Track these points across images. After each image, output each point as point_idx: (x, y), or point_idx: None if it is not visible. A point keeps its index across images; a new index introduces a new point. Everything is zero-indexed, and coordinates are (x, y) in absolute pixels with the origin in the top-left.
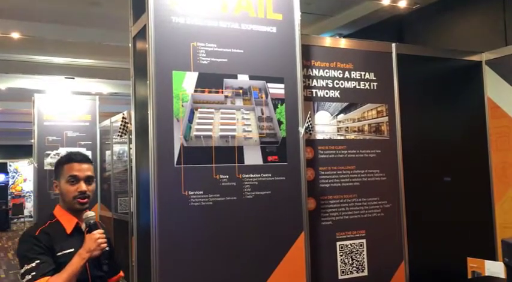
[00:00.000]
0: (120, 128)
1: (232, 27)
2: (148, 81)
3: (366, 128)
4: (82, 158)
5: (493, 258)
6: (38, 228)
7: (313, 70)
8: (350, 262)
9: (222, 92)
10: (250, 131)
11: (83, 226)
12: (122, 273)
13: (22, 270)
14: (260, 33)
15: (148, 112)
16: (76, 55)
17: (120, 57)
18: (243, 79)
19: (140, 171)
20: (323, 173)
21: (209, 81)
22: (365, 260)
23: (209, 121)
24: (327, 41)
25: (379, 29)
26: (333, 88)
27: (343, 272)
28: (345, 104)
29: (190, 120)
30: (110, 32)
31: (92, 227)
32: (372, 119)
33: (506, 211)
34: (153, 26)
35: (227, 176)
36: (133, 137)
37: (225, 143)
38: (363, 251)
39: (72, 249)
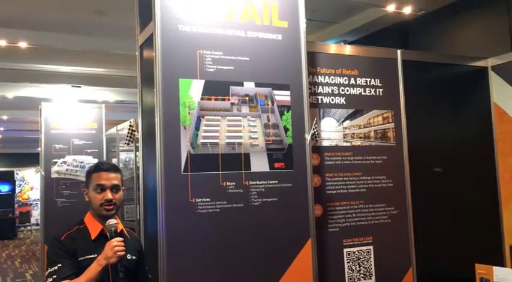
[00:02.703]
0: (127, 136)
1: (238, 35)
2: (155, 89)
3: (372, 134)
4: (109, 167)
5: (501, 264)
6: (65, 233)
7: (319, 77)
8: (357, 269)
9: (229, 100)
10: (256, 138)
11: (107, 232)
12: None
13: (47, 272)
14: (266, 41)
15: (156, 120)
16: (82, 64)
17: (126, 65)
18: (249, 86)
19: (147, 178)
20: (329, 179)
21: (215, 88)
22: (372, 266)
23: (216, 128)
24: (332, 47)
25: (384, 35)
26: (339, 95)
27: (350, 279)
28: (351, 111)
29: (197, 127)
30: (116, 41)
31: (112, 235)
32: (378, 125)
33: None
34: (160, 35)
35: (234, 183)
36: (140, 144)
37: (232, 150)
38: (370, 257)
39: (95, 255)
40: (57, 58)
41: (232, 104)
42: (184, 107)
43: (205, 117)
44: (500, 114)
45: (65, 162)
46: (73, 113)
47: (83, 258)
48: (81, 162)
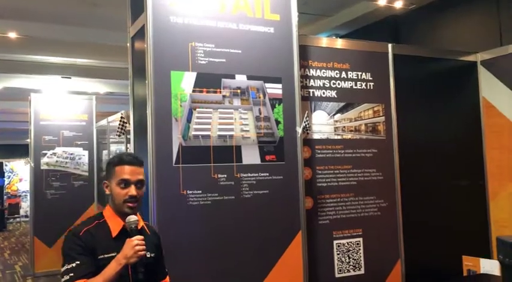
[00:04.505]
0: (118, 128)
1: (230, 28)
2: (147, 81)
3: (363, 127)
4: (134, 161)
5: (488, 256)
6: (84, 227)
7: (311, 70)
8: (347, 260)
9: (220, 92)
10: (248, 131)
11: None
12: (167, 280)
13: (62, 269)
14: (258, 34)
15: (147, 112)
16: (73, 55)
17: (117, 57)
18: (241, 79)
19: None
20: (320, 172)
21: (207, 81)
22: (362, 258)
23: (207, 121)
24: (324, 41)
25: (375, 29)
26: (330, 88)
27: (340, 271)
28: (342, 104)
29: (189, 119)
30: (107, 32)
31: (132, 232)
32: (369, 118)
33: (500, 209)
34: (152, 26)
35: (225, 176)
36: (131, 136)
37: (223, 143)
38: (360, 249)
39: (115, 254)
40: (47, 49)
41: (224, 96)
42: (176, 99)
43: (197, 109)
44: (489, 108)
45: (54, 153)
46: (63, 104)
47: (102, 256)
48: (71, 154)
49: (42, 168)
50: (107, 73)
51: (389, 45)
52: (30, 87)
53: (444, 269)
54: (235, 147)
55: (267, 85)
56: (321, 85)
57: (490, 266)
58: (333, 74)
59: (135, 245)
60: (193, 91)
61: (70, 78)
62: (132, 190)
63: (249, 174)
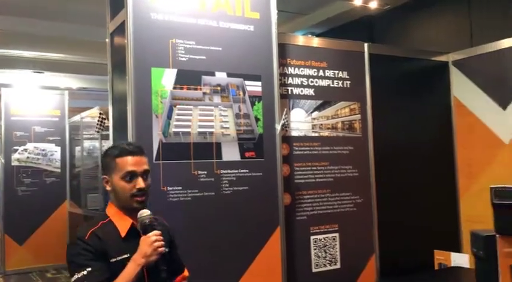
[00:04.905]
0: (97, 124)
1: (211, 25)
2: (127, 78)
3: (339, 125)
4: (137, 150)
5: (458, 250)
6: (89, 230)
7: (289, 68)
8: (323, 255)
9: (201, 89)
10: (228, 128)
11: (139, 227)
12: (186, 273)
13: (72, 279)
14: (238, 32)
15: (127, 108)
16: (45, 49)
17: (91, 52)
18: (221, 76)
19: None
20: (298, 169)
21: (188, 78)
22: (338, 253)
23: (188, 117)
24: (303, 39)
25: (350, 28)
26: (308, 86)
27: (316, 265)
28: (319, 102)
29: (169, 116)
30: (80, 27)
31: (147, 228)
32: (345, 116)
33: (470, 206)
34: (132, 23)
35: (205, 172)
36: (110, 132)
37: (203, 140)
38: (336, 244)
39: (127, 255)
40: (18, 43)
41: (204, 93)
42: (156, 95)
43: (178, 106)
44: (460, 107)
45: (26, 149)
46: (34, 99)
47: (114, 259)
48: (43, 150)
49: (13, 164)
50: (80, 68)
51: (366, 45)
52: (1, 81)
53: (417, 263)
54: (215, 144)
55: (247, 82)
56: (299, 83)
57: (460, 259)
58: (310, 72)
59: (153, 241)
60: (174, 88)
61: (42, 72)
62: (140, 182)
63: (229, 171)
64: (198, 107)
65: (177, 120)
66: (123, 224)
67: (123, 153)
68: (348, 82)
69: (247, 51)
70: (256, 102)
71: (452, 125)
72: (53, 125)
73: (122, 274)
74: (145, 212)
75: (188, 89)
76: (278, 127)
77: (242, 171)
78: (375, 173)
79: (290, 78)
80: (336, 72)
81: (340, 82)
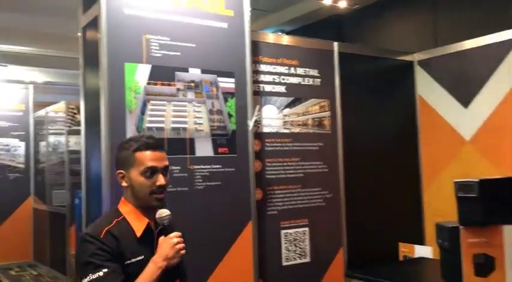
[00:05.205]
0: (68, 119)
1: (185, 22)
2: (100, 73)
3: (310, 122)
4: (158, 145)
5: (422, 243)
6: (104, 228)
7: (261, 66)
8: (294, 249)
9: (175, 85)
10: (201, 124)
11: (152, 226)
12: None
13: (85, 281)
14: (212, 29)
15: (101, 103)
16: (9, 42)
17: (58, 45)
18: (195, 73)
19: (91, 162)
20: (269, 164)
21: (161, 74)
22: (307, 247)
23: (161, 113)
24: (275, 38)
25: (320, 26)
26: (280, 83)
27: (287, 259)
28: (291, 99)
29: (143, 112)
30: (46, 19)
31: (166, 229)
32: (315, 113)
33: (433, 200)
34: (105, 18)
35: (179, 167)
36: (82, 127)
37: (177, 135)
38: (306, 238)
39: (142, 257)
40: None
41: (178, 89)
42: (130, 91)
43: (151, 101)
44: (424, 105)
45: None
46: None
47: (129, 261)
48: (6, 146)
49: None
50: (46, 62)
51: (335, 44)
52: None
53: (382, 255)
54: (188, 140)
55: (220, 79)
56: (271, 80)
57: (423, 251)
58: (282, 69)
59: (175, 243)
60: (148, 83)
61: (6, 66)
62: (161, 179)
63: (202, 166)
64: (172, 103)
65: (151, 115)
66: (139, 224)
67: (144, 147)
68: (318, 80)
69: (220, 48)
70: (229, 99)
71: (416, 123)
72: (17, 119)
73: (141, 276)
74: (164, 212)
75: (162, 84)
76: (250, 123)
77: (215, 166)
78: (344, 168)
79: (262, 76)
80: (307, 70)
81: (311, 80)
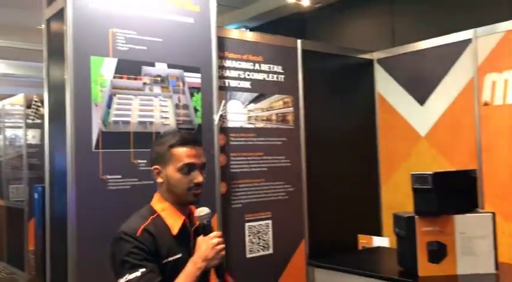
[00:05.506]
0: (32, 112)
1: (152, 16)
2: (65, 66)
3: (274, 117)
4: (195, 140)
5: (379, 234)
6: (140, 225)
7: (227, 61)
8: (257, 241)
9: (141, 79)
10: (167, 118)
11: (188, 223)
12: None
13: (122, 280)
14: (179, 24)
15: (66, 96)
16: None
17: (16, 36)
18: (162, 67)
19: (55, 156)
20: (234, 158)
21: (128, 67)
22: (270, 239)
23: (128, 107)
24: (240, 34)
25: (283, 23)
26: (245, 79)
27: (250, 251)
28: (255, 95)
29: (109, 105)
30: (5, 11)
31: (206, 228)
32: (279, 109)
33: (390, 194)
34: (71, 10)
35: (145, 161)
36: (46, 120)
37: (144, 129)
38: (269, 231)
39: (180, 255)
40: None
41: (144, 83)
42: (95, 84)
43: (117, 95)
44: (383, 102)
45: None
46: None
47: (167, 260)
48: None
49: None
50: (3, 53)
51: (299, 41)
52: None
53: (342, 246)
54: (155, 134)
55: (187, 74)
56: (237, 76)
57: (381, 242)
58: (247, 65)
59: (215, 244)
60: (114, 77)
61: None
62: (198, 176)
63: None
64: (138, 97)
65: (117, 109)
66: (174, 221)
67: (182, 142)
68: (282, 76)
69: (187, 43)
70: (195, 94)
71: (375, 119)
72: None
73: (180, 277)
74: (204, 210)
75: (128, 78)
76: (216, 118)
77: None
78: (306, 163)
79: (228, 71)
80: (271, 66)
81: (275, 76)
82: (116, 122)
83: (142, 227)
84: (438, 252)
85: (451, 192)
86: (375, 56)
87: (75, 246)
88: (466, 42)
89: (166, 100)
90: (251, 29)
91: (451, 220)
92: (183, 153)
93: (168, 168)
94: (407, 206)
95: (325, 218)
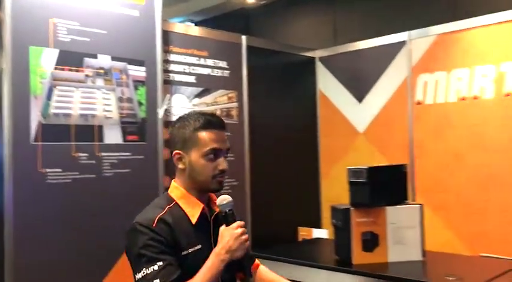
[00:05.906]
0: None
1: (95, 8)
2: (3, 55)
3: (218, 112)
4: (222, 124)
5: (319, 227)
6: (155, 216)
7: (172, 55)
8: None
9: (83, 71)
10: (110, 111)
11: (207, 211)
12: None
13: (139, 275)
14: (123, 16)
15: (3, 87)
16: None
17: None
18: (105, 59)
19: None
20: None
21: (70, 59)
22: None
23: (69, 99)
24: (186, 28)
25: (229, 19)
26: (190, 73)
27: None
28: (200, 89)
29: (49, 97)
30: None
31: (228, 218)
32: (224, 104)
33: (330, 188)
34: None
35: (87, 154)
36: None
37: (85, 122)
38: None
39: (200, 246)
40: None
41: (86, 76)
42: (35, 75)
43: (58, 87)
44: (324, 99)
45: None
46: None
47: (186, 251)
48: None
49: None
50: None
51: (243, 37)
52: None
53: (282, 238)
54: (97, 127)
55: (131, 67)
56: (181, 70)
57: (320, 234)
58: (192, 60)
59: (239, 234)
60: (55, 68)
61: None
62: (223, 163)
63: (111, 154)
64: (80, 89)
65: (57, 101)
66: (193, 209)
67: (209, 126)
68: (227, 71)
69: (131, 36)
70: (140, 87)
71: (317, 115)
72: None
73: (203, 270)
74: (226, 198)
75: (70, 70)
76: (160, 112)
77: (124, 154)
78: (250, 157)
79: (173, 65)
80: (216, 61)
81: (220, 71)
82: (56, 115)
83: (158, 217)
84: (371, 241)
85: (383, 185)
86: (317, 54)
87: (11, 244)
88: (401, 44)
89: (109, 93)
90: (196, 23)
91: (383, 211)
92: (209, 137)
93: (192, 153)
94: (345, 199)
95: (267, 211)
